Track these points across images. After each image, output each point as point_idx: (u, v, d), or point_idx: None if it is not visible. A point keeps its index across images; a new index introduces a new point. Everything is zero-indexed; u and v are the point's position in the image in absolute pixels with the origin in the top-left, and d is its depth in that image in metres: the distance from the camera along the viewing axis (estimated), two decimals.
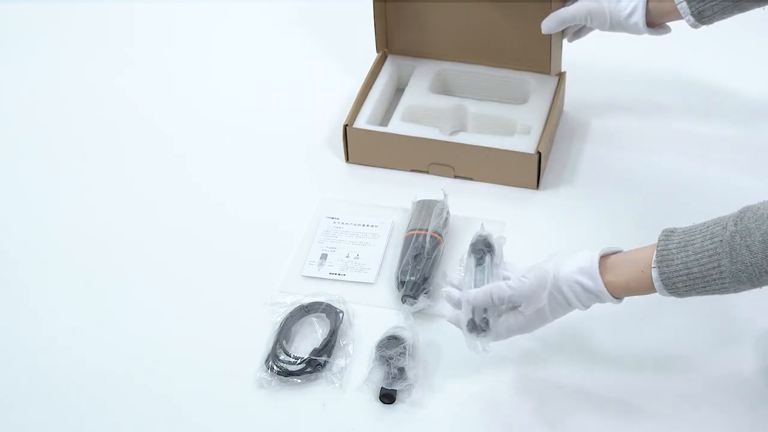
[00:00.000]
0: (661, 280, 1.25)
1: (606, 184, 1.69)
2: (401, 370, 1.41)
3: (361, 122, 1.74)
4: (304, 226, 1.64)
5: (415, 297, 1.51)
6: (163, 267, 1.61)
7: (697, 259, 1.23)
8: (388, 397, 1.40)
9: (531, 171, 1.67)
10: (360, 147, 1.73)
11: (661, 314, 1.47)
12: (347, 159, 1.75)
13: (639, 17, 1.57)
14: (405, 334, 1.46)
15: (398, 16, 1.79)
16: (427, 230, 1.56)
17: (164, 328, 1.52)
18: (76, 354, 1.49)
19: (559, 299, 1.31)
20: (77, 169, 1.78)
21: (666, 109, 1.83)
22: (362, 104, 1.76)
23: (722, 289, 1.24)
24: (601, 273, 1.29)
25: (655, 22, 1.58)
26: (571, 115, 1.81)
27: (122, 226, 1.68)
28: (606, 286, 1.28)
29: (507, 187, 1.70)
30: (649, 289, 1.27)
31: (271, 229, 1.65)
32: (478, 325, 1.32)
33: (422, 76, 1.81)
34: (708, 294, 1.25)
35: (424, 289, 1.51)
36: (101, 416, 1.42)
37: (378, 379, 1.42)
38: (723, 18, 1.52)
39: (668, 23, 1.59)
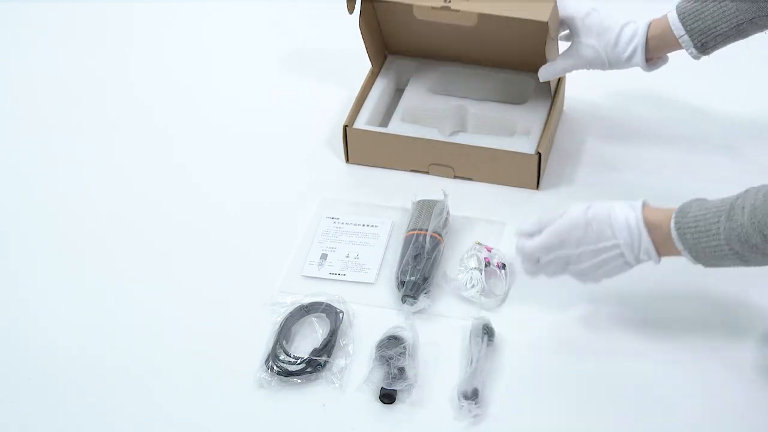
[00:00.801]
0: (676, 229, 1.30)
1: (606, 185, 1.69)
2: (401, 370, 1.41)
3: (361, 123, 1.74)
4: (304, 226, 1.64)
5: (415, 297, 1.51)
6: (163, 267, 1.61)
7: (705, 214, 1.29)
8: (388, 397, 1.40)
9: (531, 171, 1.67)
10: (360, 147, 1.73)
11: (663, 313, 1.47)
12: (347, 159, 1.75)
13: (639, 59, 1.58)
14: (405, 334, 1.46)
15: (397, 17, 1.79)
16: (427, 230, 1.56)
17: (164, 328, 1.52)
18: (76, 354, 1.49)
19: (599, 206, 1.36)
20: (77, 169, 1.78)
21: (666, 110, 1.83)
22: (362, 105, 1.76)
23: (719, 251, 1.28)
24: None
25: (654, 56, 1.59)
26: (571, 115, 1.82)
27: (122, 227, 1.67)
28: (643, 210, 1.33)
29: (507, 187, 1.69)
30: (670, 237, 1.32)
31: (271, 229, 1.65)
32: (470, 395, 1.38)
33: (422, 77, 1.81)
34: (713, 259, 1.29)
35: (424, 289, 1.52)
36: (101, 416, 1.42)
37: (378, 379, 1.42)
38: (725, 45, 1.54)
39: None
